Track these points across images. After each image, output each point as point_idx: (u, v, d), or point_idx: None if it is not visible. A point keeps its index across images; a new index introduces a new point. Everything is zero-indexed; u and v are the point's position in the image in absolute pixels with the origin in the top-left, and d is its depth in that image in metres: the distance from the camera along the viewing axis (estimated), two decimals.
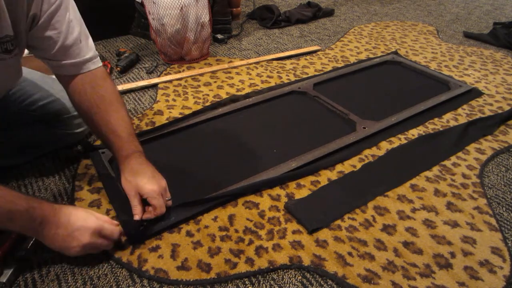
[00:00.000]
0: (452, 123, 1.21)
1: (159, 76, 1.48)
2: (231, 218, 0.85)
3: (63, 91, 0.95)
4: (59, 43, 0.74)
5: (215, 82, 1.44)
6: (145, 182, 0.78)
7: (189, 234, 0.81)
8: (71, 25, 0.75)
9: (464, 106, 1.31)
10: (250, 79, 1.46)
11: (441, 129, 1.18)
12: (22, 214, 0.63)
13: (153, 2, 1.44)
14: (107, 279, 0.72)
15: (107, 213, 0.85)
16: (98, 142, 1.08)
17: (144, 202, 0.80)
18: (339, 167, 1.01)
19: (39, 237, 0.67)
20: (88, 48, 0.80)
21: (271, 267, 0.74)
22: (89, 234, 0.68)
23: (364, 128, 1.14)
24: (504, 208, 0.91)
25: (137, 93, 1.36)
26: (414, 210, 0.89)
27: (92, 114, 0.81)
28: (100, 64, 0.83)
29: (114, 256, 0.75)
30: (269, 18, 2.04)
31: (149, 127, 1.15)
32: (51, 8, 0.71)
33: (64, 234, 0.67)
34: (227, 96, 1.33)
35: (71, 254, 0.69)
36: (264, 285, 0.72)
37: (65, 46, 0.75)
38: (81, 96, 0.81)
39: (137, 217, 0.77)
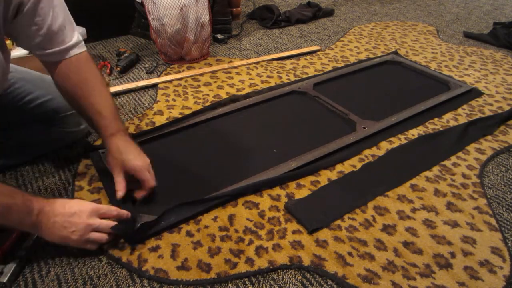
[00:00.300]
0: (452, 123, 1.21)
1: (159, 76, 1.48)
2: (231, 218, 0.85)
3: None
4: (44, 30, 0.75)
5: (215, 82, 1.44)
6: (130, 159, 0.82)
7: (189, 234, 0.81)
8: (55, 11, 0.75)
9: (464, 106, 1.31)
10: (250, 79, 1.46)
11: (441, 129, 1.18)
12: (19, 207, 0.65)
13: (153, 2, 1.44)
14: (107, 279, 0.72)
15: None
16: (98, 142, 1.08)
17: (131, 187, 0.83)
18: (339, 167, 1.01)
19: (38, 229, 0.68)
20: (73, 33, 0.81)
21: (271, 267, 0.74)
22: (86, 215, 0.71)
23: (364, 128, 1.14)
24: (504, 208, 0.91)
25: (137, 93, 1.36)
26: (414, 210, 0.89)
27: (77, 97, 0.84)
28: (84, 48, 0.84)
29: (114, 256, 0.75)
30: (269, 18, 2.04)
31: (149, 127, 1.15)
32: None
33: (62, 220, 0.69)
34: (227, 96, 1.33)
35: (72, 242, 0.70)
36: (264, 285, 0.72)
37: (50, 33, 0.76)
38: (65, 80, 0.83)
39: (120, 193, 0.81)
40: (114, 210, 0.76)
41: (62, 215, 0.69)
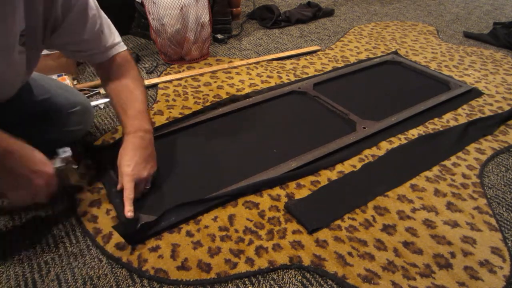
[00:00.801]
0: (452, 123, 1.21)
1: (159, 76, 1.48)
2: (231, 218, 0.85)
3: (60, 89, 0.96)
4: (82, 39, 0.80)
5: (215, 82, 1.44)
6: (126, 162, 0.82)
7: (189, 234, 0.81)
8: (93, 20, 0.79)
9: (464, 106, 1.31)
10: (250, 79, 1.46)
11: (441, 129, 1.18)
12: None
13: (153, 2, 1.44)
14: (107, 279, 0.72)
15: (107, 213, 0.85)
16: (99, 142, 1.08)
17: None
18: (339, 167, 1.01)
19: None
20: (110, 37, 0.85)
21: (271, 267, 0.74)
22: (44, 179, 0.68)
23: (364, 128, 1.14)
24: (504, 208, 0.91)
25: None
26: (414, 210, 0.89)
27: (111, 95, 0.89)
28: (122, 49, 0.89)
29: (114, 256, 0.75)
30: (269, 18, 2.04)
31: None
32: (72, 10, 0.74)
33: (22, 172, 0.66)
34: (227, 96, 1.33)
35: (17, 194, 0.68)
36: (264, 285, 0.72)
37: (87, 41, 0.81)
38: (103, 80, 0.90)
39: (118, 186, 0.84)
40: (54, 186, 0.73)
41: (26, 168, 0.66)
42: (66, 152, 0.76)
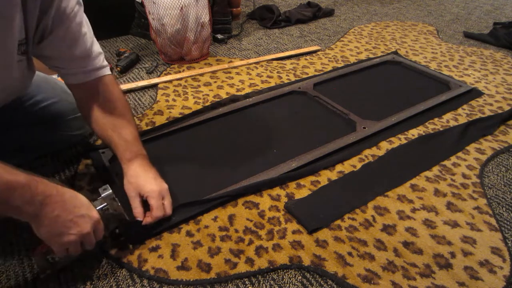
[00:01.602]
0: (452, 123, 1.21)
1: (159, 76, 1.48)
2: (231, 218, 0.85)
3: (65, 93, 0.96)
4: (69, 57, 0.76)
5: (215, 82, 1.44)
6: (146, 182, 0.79)
7: (189, 234, 0.81)
8: (84, 39, 0.76)
9: (464, 106, 1.31)
10: (250, 79, 1.46)
11: (441, 129, 1.18)
12: (23, 186, 0.56)
13: (153, 2, 1.44)
14: (107, 279, 0.72)
15: None
16: (98, 142, 1.08)
17: (146, 207, 0.79)
18: (339, 167, 1.01)
19: (35, 218, 0.59)
20: (98, 59, 0.80)
21: (271, 267, 0.74)
22: (91, 224, 0.65)
23: (364, 128, 1.14)
24: (504, 208, 0.91)
25: (137, 93, 1.36)
26: (414, 210, 0.89)
27: (97, 118, 0.83)
28: (108, 72, 0.83)
29: (114, 256, 0.75)
30: (269, 18, 2.04)
31: (149, 127, 1.15)
32: (64, 23, 0.71)
33: (67, 218, 0.61)
34: (227, 96, 1.33)
35: (62, 243, 0.63)
36: (264, 285, 0.72)
37: (74, 59, 0.77)
38: (86, 101, 0.83)
39: (139, 219, 0.77)
40: (102, 233, 0.70)
41: (70, 213, 0.62)
42: (106, 190, 0.73)
